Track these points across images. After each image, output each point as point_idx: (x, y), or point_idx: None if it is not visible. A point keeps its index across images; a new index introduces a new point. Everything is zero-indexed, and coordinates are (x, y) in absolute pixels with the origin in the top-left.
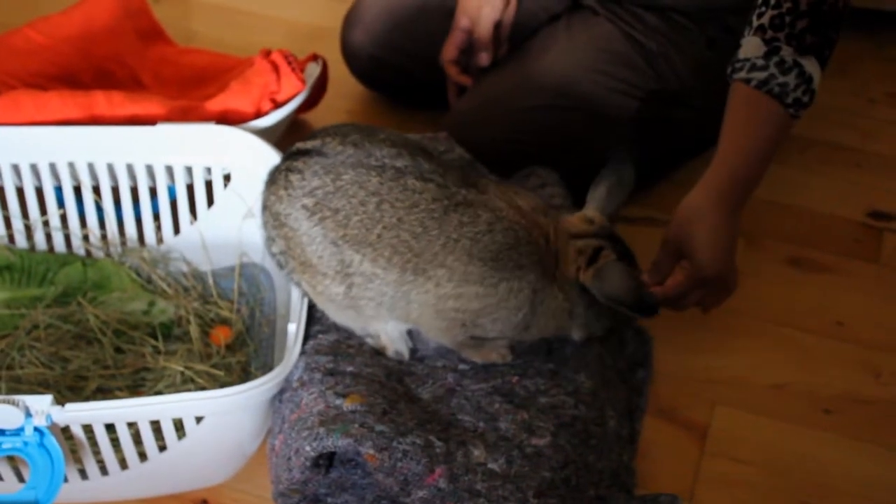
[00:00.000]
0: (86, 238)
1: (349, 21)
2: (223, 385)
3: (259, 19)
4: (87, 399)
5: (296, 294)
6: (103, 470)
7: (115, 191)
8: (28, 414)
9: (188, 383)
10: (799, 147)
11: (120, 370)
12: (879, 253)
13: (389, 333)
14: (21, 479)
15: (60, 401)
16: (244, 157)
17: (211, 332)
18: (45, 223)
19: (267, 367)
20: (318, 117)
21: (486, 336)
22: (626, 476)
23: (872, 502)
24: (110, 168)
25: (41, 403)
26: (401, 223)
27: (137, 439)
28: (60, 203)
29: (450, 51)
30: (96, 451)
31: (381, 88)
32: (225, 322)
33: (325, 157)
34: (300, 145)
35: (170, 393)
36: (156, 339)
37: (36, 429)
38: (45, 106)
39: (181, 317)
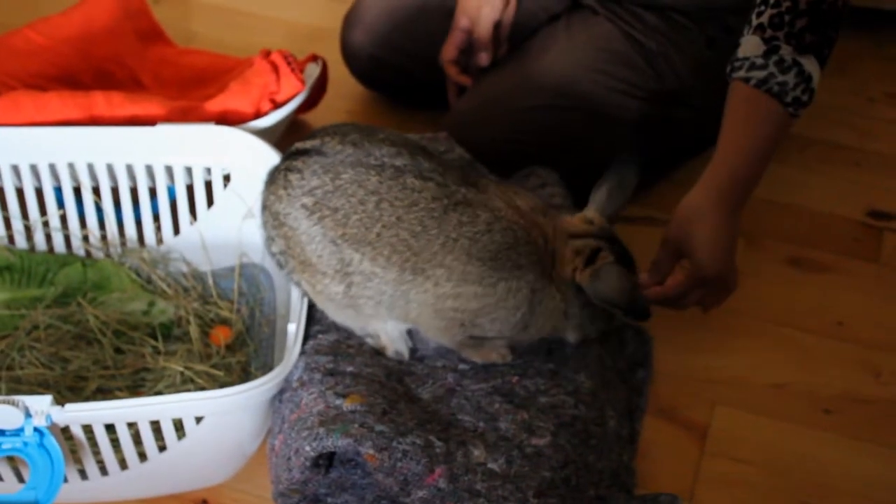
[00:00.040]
0: (85, 238)
1: (349, 21)
2: (223, 385)
3: (259, 20)
4: (86, 399)
5: (295, 294)
6: (103, 470)
7: (115, 191)
8: (28, 414)
9: (188, 383)
10: (798, 146)
11: (120, 370)
12: (879, 252)
13: (389, 333)
14: (21, 479)
15: (60, 401)
16: (244, 157)
17: (211, 332)
18: (45, 224)
19: (267, 368)
20: (317, 118)
21: (484, 336)
22: (626, 476)
23: (873, 502)
24: (110, 168)
25: (41, 404)
26: (400, 222)
27: (137, 439)
28: (60, 204)
29: (449, 51)
30: (96, 452)
31: (380, 89)
32: (225, 322)
33: (324, 156)
34: (299, 145)
35: (170, 393)
36: (156, 339)
37: (36, 429)
38: (44, 107)
39: (181, 317)
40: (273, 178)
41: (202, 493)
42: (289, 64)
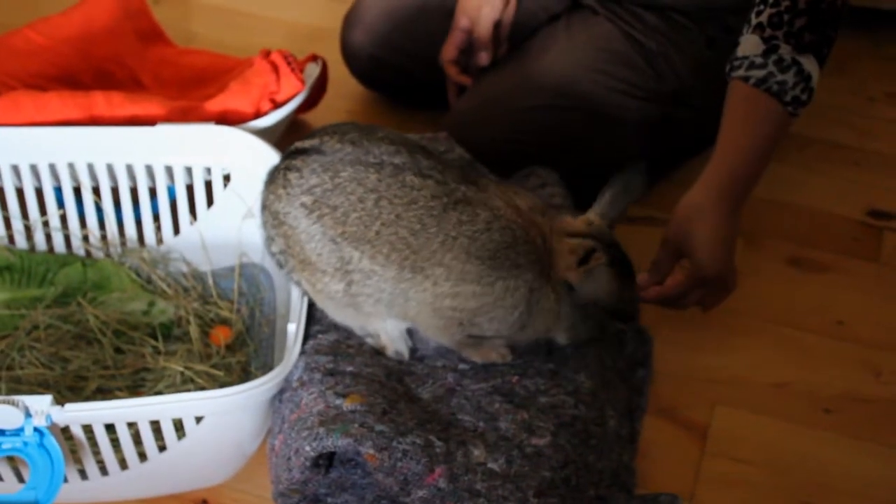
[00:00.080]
0: (85, 238)
1: (349, 21)
2: (223, 385)
3: (259, 20)
4: (86, 399)
5: (295, 294)
6: (103, 470)
7: (115, 191)
8: (28, 414)
9: (188, 383)
10: (798, 145)
11: (120, 370)
12: (879, 252)
13: (389, 332)
14: (21, 479)
15: (60, 401)
16: (244, 157)
17: (211, 332)
18: (45, 224)
19: (267, 367)
20: (317, 118)
21: (483, 335)
22: (627, 476)
23: (873, 501)
24: (110, 168)
25: (41, 404)
26: (399, 220)
27: (137, 439)
28: (60, 204)
29: (449, 51)
30: (96, 452)
31: (380, 88)
32: (225, 322)
33: (323, 155)
34: (298, 144)
35: (170, 393)
36: (156, 339)
37: (36, 429)
38: (44, 107)
39: (181, 317)
40: (272, 177)
41: (202, 493)
42: (289, 64)
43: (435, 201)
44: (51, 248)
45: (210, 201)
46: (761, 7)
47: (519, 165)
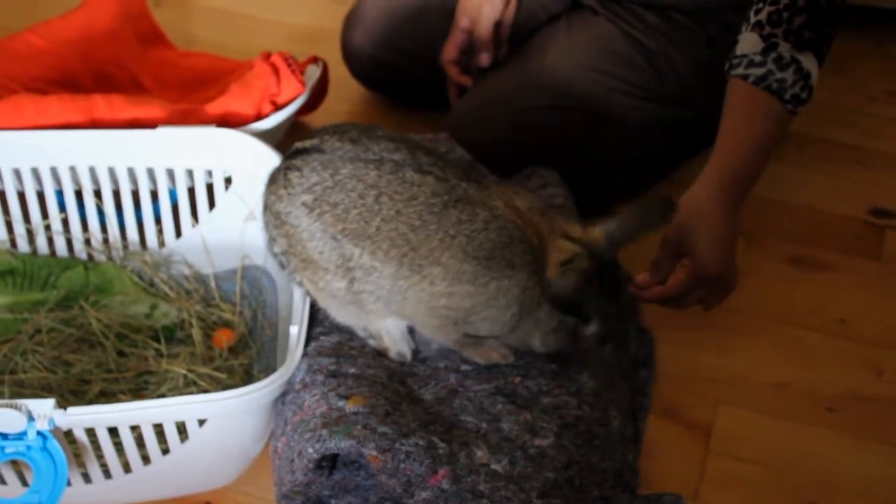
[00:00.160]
0: (87, 242)
1: (349, 23)
2: (226, 388)
3: (259, 22)
4: (89, 403)
5: (298, 296)
6: (106, 473)
7: (117, 194)
8: (31, 418)
9: (191, 386)
10: (798, 145)
11: (123, 374)
12: (881, 250)
13: (392, 333)
14: (24, 482)
15: (63, 404)
16: (245, 159)
17: (213, 334)
18: (47, 227)
19: (269, 370)
20: (318, 119)
21: (478, 334)
22: (630, 476)
23: (876, 500)
24: (111, 172)
25: (44, 407)
26: (399, 215)
27: (140, 442)
28: (62, 207)
29: (450, 51)
30: (99, 455)
31: (381, 89)
32: (227, 325)
33: (323, 153)
34: (299, 144)
35: (172, 396)
36: (158, 342)
37: (39, 433)
38: (45, 110)
39: (183, 320)
40: (273, 178)
41: (205, 496)
42: (289, 66)
43: (435, 198)
44: (53, 252)
45: (212, 204)
46: (760, 5)
47: (520, 166)
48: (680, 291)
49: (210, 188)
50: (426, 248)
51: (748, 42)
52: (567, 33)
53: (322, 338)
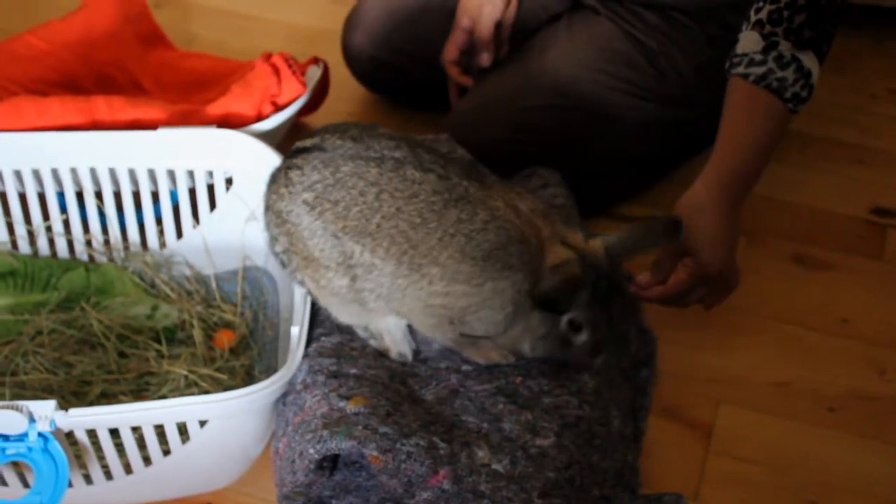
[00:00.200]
0: (88, 243)
1: (350, 23)
2: (227, 388)
3: (259, 23)
4: (91, 404)
5: (299, 296)
6: (108, 475)
7: (118, 195)
8: (32, 419)
9: (192, 387)
10: (800, 144)
11: (124, 375)
12: (883, 249)
13: (393, 333)
14: (26, 484)
15: (64, 406)
16: (246, 160)
17: (214, 335)
18: (48, 229)
19: (271, 370)
20: (319, 120)
21: (474, 333)
22: (631, 476)
23: (877, 499)
24: (112, 173)
25: (45, 409)
26: (399, 213)
27: (142, 444)
28: (63, 208)
29: (451, 51)
30: (101, 456)
31: (382, 90)
32: (228, 325)
33: (324, 151)
34: (300, 144)
35: (174, 397)
36: (159, 343)
37: (40, 434)
38: (46, 112)
39: (184, 321)
40: (275, 177)
41: (207, 497)
42: (290, 66)
43: (436, 196)
44: (54, 253)
45: (212, 205)
46: (761, 3)
47: (520, 166)
48: (681, 291)
49: (211, 189)
50: (425, 246)
51: (748, 41)
52: (568, 33)
53: (323, 338)
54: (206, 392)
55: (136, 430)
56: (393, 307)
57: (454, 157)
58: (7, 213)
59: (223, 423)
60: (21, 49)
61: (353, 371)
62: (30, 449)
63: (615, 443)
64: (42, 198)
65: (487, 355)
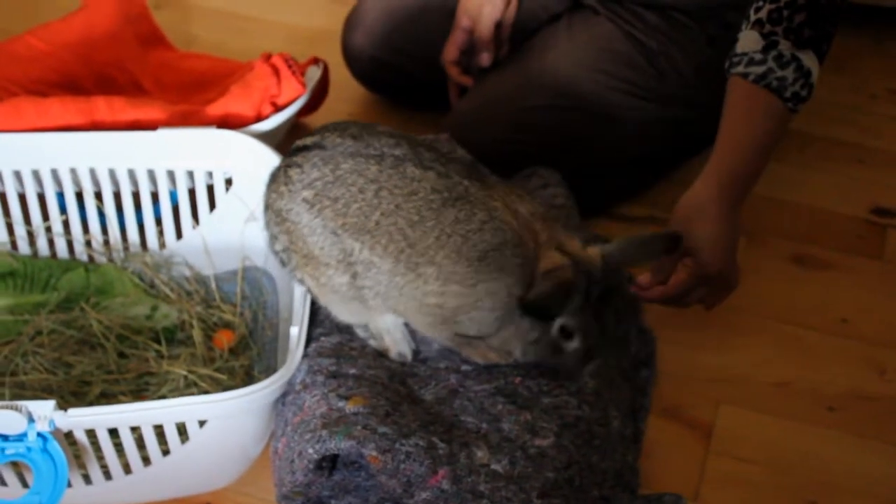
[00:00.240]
0: (88, 243)
1: (350, 24)
2: (226, 389)
3: (259, 23)
4: (90, 404)
5: (298, 297)
6: (107, 475)
7: (117, 196)
8: (31, 419)
9: (191, 387)
10: (799, 144)
11: (123, 375)
12: (883, 249)
13: (392, 333)
14: (25, 484)
15: (64, 406)
16: (245, 160)
17: (214, 335)
18: (48, 229)
19: (270, 371)
20: (319, 120)
21: (467, 333)
22: (630, 476)
23: (877, 499)
24: (112, 173)
25: (44, 409)
26: (398, 210)
27: (141, 444)
28: (63, 209)
29: (451, 51)
30: (100, 456)
31: (382, 90)
32: (228, 326)
33: (324, 149)
34: (299, 142)
35: (173, 397)
36: (159, 343)
37: (39, 434)
38: (46, 112)
39: (184, 321)
40: (274, 176)
41: (206, 497)
42: (290, 67)
43: (435, 195)
44: (53, 254)
45: (212, 205)
46: (761, 3)
47: (520, 166)
48: (681, 291)
49: (210, 189)
50: (422, 244)
51: (748, 40)
52: (568, 33)
53: (322, 339)
54: (206, 392)
55: (135, 430)
56: (390, 305)
57: (455, 157)
58: (7, 213)
59: (222, 423)
60: (21, 50)
61: (353, 371)
62: (29, 449)
63: (615, 443)
64: (42, 198)
65: (486, 355)
